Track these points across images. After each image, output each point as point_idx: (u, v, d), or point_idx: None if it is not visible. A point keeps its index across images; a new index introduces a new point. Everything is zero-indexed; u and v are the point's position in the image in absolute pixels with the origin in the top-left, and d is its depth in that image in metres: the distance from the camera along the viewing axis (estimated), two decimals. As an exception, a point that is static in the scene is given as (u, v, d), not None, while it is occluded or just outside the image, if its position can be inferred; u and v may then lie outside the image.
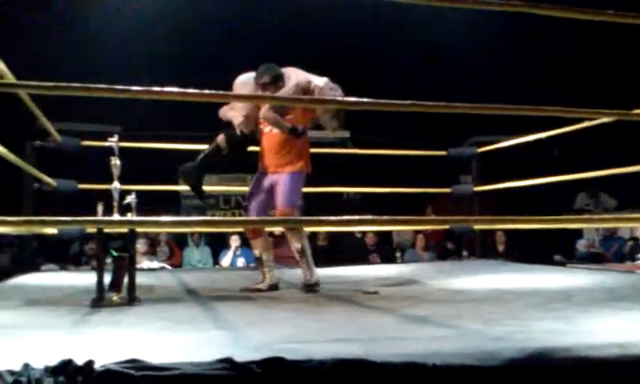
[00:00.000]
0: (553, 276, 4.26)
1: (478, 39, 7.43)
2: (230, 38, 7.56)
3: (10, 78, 3.23)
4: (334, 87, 3.67)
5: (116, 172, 3.24)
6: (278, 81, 3.70)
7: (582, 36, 7.29)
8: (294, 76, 3.71)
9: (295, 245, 3.68)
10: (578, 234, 8.07)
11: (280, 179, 3.76)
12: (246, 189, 4.39)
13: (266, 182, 3.81)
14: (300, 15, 7.29)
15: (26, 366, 1.52)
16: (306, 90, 3.66)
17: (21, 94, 3.73)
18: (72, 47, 7.28)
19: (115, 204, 3.16)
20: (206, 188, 4.06)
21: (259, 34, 7.27)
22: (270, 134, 3.86)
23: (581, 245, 7.80)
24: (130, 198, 3.21)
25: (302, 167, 3.80)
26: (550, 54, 7.80)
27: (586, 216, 6.91)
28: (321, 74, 3.76)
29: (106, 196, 3.22)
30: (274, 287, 3.68)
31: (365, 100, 2.44)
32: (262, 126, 3.91)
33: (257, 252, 3.80)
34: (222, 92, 2.40)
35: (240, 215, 9.40)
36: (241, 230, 7.15)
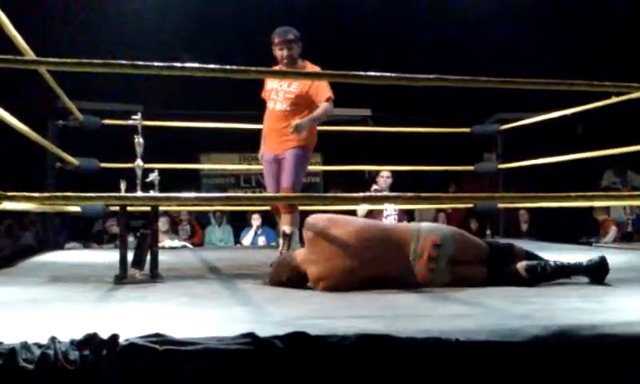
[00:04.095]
0: (579, 255, 4.19)
1: (503, 13, 7.28)
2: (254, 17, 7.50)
3: (31, 55, 3.24)
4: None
5: (139, 150, 3.24)
6: (299, 40, 3.74)
7: (607, 10, 7.14)
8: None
9: (286, 228, 3.59)
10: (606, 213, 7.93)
11: (285, 157, 3.73)
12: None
13: (275, 164, 3.80)
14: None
15: (53, 339, 1.53)
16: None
17: (42, 73, 3.74)
18: (95, 26, 7.29)
19: (138, 181, 3.17)
20: (226, 166, 4.08)
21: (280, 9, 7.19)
22: (274, 111, 3.79)
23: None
24: (153, 176, 3.22)
25: (305, 142, 3.74)
26: (575, 28, 7.63)
27: (615, 193, 6.80)
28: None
29: (129, 174, 3.23)
30: None
31: (389, 74, 2.40)
32: (268, 102, 3.84)
33: (287, 228, 3.64)
34: (242, 67, 2.38)
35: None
36: (262, 208, 7.19)
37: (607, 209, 7.56)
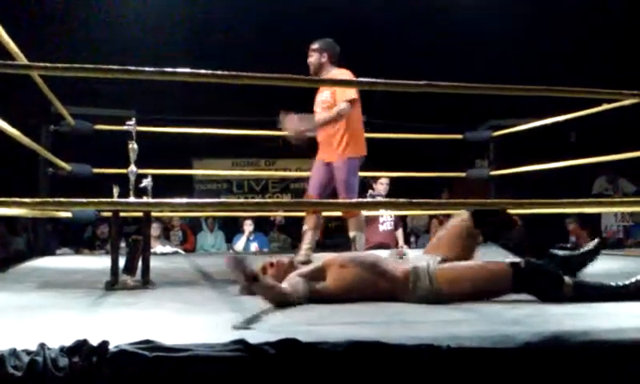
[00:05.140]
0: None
1: (496, 19, 7.31)
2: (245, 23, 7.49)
3: (23, 60, 3.22)
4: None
5: (133, 156, 3.24)
6: (323, 50, 3.98)
7: (600, 17, 7.18)
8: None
9: (350, 233, 3.93)
10: (597, 220, 7.95)
11: (334, 166, 3.96)
12: (259, 173, 4.49)
13: (323, 169, 4.02)
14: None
15: (42, 345, 1.52)
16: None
17: (34, 78, 3.73)
18: (90, 32, 7.27)
19: (131, 187, 3.16)
20: (219, 172, 4.12)
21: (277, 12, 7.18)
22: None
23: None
24: (146, 182, 3.21)
25: (349, 152, 3.95)
26: (569, 35, 7.67)
27: (605, 199, 6.82)
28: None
29: (122, 180, 3.22)
30: None
31: (379, 80, 2.41)
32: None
33: (351, 233, 3.95)
34: (233, 73, 2.37)
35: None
36: (254, 214, 7.17)
37: (584, 217, 7.57)
